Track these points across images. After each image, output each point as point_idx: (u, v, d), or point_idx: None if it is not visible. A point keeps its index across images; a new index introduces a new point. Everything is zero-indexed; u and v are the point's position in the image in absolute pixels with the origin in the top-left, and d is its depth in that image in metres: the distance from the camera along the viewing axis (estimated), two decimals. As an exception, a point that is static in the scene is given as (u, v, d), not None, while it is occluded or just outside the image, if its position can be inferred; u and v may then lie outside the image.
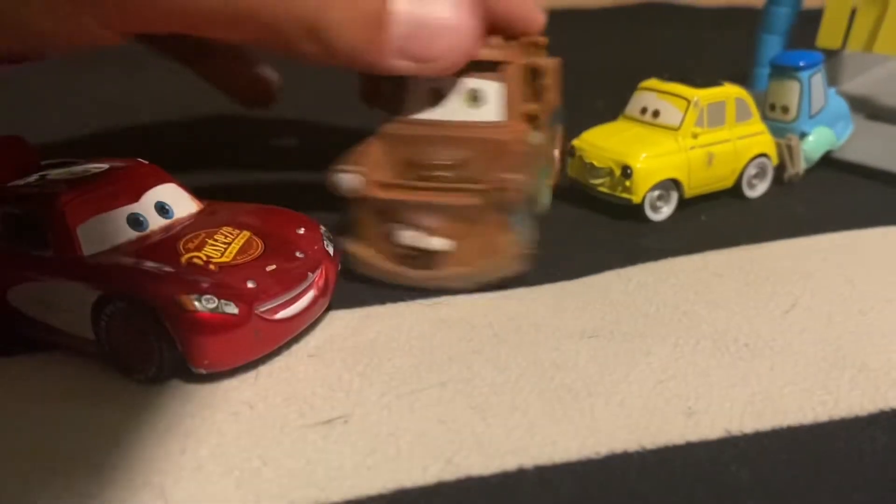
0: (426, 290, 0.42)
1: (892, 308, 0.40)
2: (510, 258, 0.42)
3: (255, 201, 0.42)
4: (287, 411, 0.33)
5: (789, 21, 0.63)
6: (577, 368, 0.36)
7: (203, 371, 0.35)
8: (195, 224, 0.39)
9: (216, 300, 0.34)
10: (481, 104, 0.44)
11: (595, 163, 0.50)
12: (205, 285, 0.34)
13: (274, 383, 0.35)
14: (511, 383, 0.35)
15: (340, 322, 0.40)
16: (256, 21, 0.36)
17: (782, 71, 0.55)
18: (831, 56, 0.63)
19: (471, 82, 0.44)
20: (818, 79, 0.55)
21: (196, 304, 0.33)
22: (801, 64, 0.54)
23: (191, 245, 0.37)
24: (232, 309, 0.34)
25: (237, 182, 0.57)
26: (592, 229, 0.50)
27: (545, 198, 0.50)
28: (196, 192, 0.42)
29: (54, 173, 0.40)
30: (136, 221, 0.38)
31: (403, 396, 0.34)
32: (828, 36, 0.60)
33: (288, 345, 0.38)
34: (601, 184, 0.51)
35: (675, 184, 0.50)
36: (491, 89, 0.44)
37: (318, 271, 0.39)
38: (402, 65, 0.40)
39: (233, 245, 0.37)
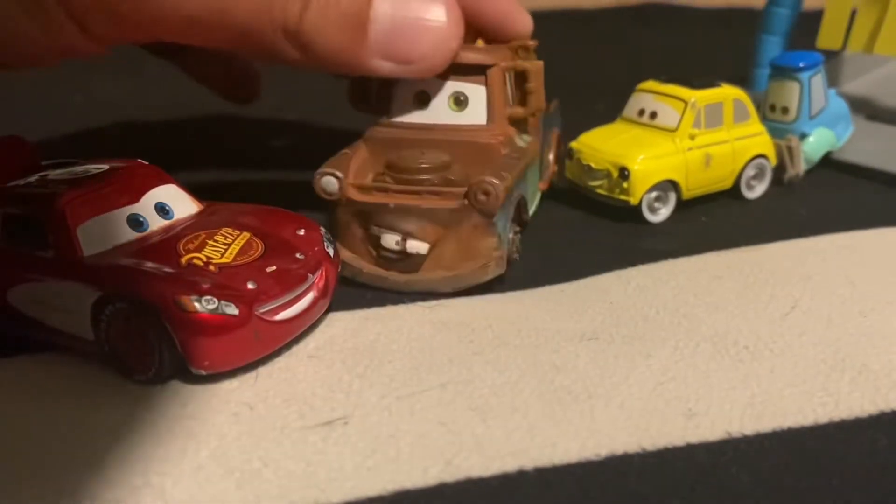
0: (410, 293, 0.42)
1: (893, 309, 0.40)
2: (491, 262, 0.42)
3: (255, 202, 0.42)
4: (287, 412, 0.33)
5: (789, 22, 0.63)
6: (576, 370, 0.36)
7: (203, 372, 0.34)
8: (195, 225, 0.39)
9: (216, 301, 0.34)
10: (466, 107, 0.45)
11: (593, 165, 0.50)
12: (205, 286, 0.34)
13: (274, 384, 0.35)
14: (511, 385, 0.35)
15: (340, 323, 0.40)
16: (236, 26, 0.36)
17: (782, 72, 0.55)
18: (831, 57, 0.63)
19: (455, 86, 0.44)
20: (818, 80, 0.55)
21: (196, 304, 0.33)
22: (802, 65, 0.54)
23: (191, 246, 0.37)
24: (232, 310, 0.34)
25: (237, 182, 0.57)
26: (591, 231, 0.50)
27: (534, 202, 0.50)
28: (196, 192, 0.42)
29: (54, 173, 0.40)
30: (136, 222, 0.38)
31: (403, 398, 0.34)
32: (828, 37, 0.60)
33: (288, 346, 0.38)
34: (599, 186, 0.51)
35: (672, 185, 0.50)
36: (475, 92, 0.44)
37: (319, 272, 0.39)
38: (384, 66, 0.40)
39: (233, 246, 0.37)
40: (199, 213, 0.40)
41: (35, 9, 0.36)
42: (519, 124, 0.47)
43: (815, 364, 0.36)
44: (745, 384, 0.35)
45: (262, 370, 0.36)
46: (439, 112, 0.45)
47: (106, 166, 0.40)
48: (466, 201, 0.41)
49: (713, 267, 0.45)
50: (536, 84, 0.45)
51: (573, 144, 0.52)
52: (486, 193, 0.40)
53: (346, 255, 0.43)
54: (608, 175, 0.50)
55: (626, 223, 0.50)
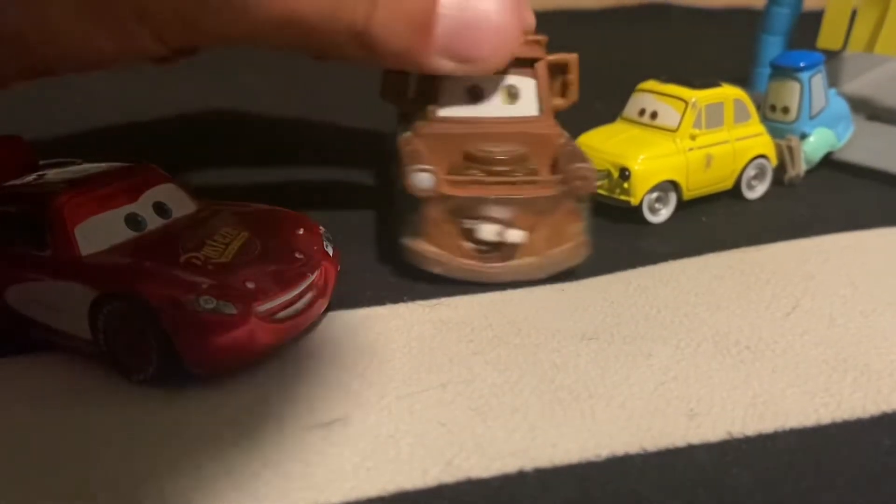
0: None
1: (894, 310, 0.40)
2: (579, 246, 0.43)
3: (255, 201, 0.42)
4: (286, 413, 0.33)
5: (790, 22, 0.63)
6: (577, 370, 0.36)
7: (202, 372, 0.34)
8: (194, 224, 0.39)
9: (215, 301, 0.34)
10: (518, 100, 0.45)
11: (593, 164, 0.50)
12: (204, 285, 0.34)
13: (273, 384, 0.35)
14: (511, 385, 0.35)
15: (340, 323, 0.40)
16: (304, 27, 0.36)
17: (783, 72, 0.55)
18: (832, 57, 0.63)
19: (508, 79, 0.45)
20: (819, 80, 0.55)
21: (195, 304, 0.33)
22: (802, 65, 0.54)
23: (189, 245, 0.36)
24: (230, 310, 0.34)
25: (237, 182, 0.57)
26: (591, 231, 0.50)
27: None
28: (196, 191, 0.41)
29: (52, 173, 0.40)
30: (134, 221, 0.38)
31: (403, 398, 0.34)
32: (828, 37, 0.60)
33: (287, 346, 0.38)
34: (599, 186, 0.50)
35: (673, 185, 0.50)
36: (526, 85, 0.45)
37: (318, 272, 0.38)
38: (447, 65, 0.40)
39: (231, 245, 0.37)
40: (198, 213, 0.40)
41: (109, 20, 0.35)
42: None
43: (817, 364, 0.36)
44: (747, 384, 0.35)
45: (262, 370, 0.36)
46: (492, 105, 0.45)
47: (104, 166, 0.40)
48: (565, 188, 0.41)
49: (714, 267, 0.45)
50: (574, 76, 0.46)
51: (573, 144, 0.52)
52: (585, 178, 0.41)
53: (435, 250, 0.42)
54: (609, 175, 0.50)
55: (627, 223, 0.50)
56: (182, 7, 0.34)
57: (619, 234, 0.49)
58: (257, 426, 0.32)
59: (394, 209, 0.47)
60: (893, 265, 0.44)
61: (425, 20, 0.38)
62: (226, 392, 0.34)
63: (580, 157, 0.43)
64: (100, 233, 0.36)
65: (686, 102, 0.50)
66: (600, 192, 0.51)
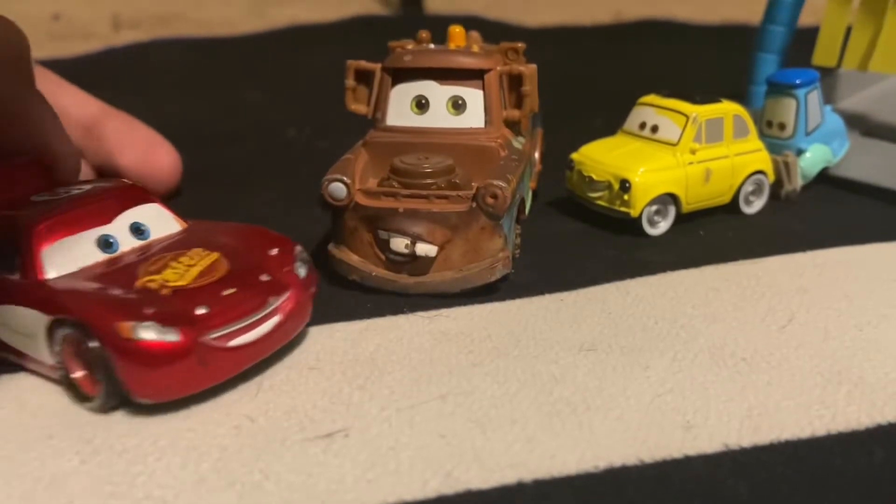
0: (420, 297, 0.42)
1: (889, 323, 0.40)
2: (498, 262, 0.42)
3: (251, 213, 0.42)
4: (288, 424, 0.33)
5: (785, 39, 0.63)
6: (575, 382, 0.36)
7: (146, 400, 0.33)
8: (168, 245, 0.38)
9: (157, 327, 0.32)
10: (464, 111, 0.46)
11: (594, 176, 0.51)
12: (149, 311, 0.32)
13: (275, 396, 0.35)
14: (510, 396, 0.35)
15: (340, 334, 0.40)
16: None
17: (779, 88, 0.55)
18: (827, 74, 0.64)
19: (453, 90, 0.45)
20: (814, 96, 0.55)
21: (135, 331, 0.32)
22: (798, 81, 0.55)
23: (152, 268, 0.35)
24: (173, 336, 0.32)
25: (236, 196, 0.57)
26: (590, 243, 0.50)
27: (529, 201, 0.50)
28: (194, 207, 0.41)
29: (39, 195, 0.39)
30: (105, 243, 0.37)
31: (403, 410, 0.34)
32: (824, 54, 0.61)
33: (288, 357, 0.38)
34: (599, 197, 0.51)
35: (672, 199, 0.51)
36: (473, 97, 0.46)
37: (284, 296, 0.37)
38: None
39: (195, 268, 0.36)
40: (179, 233, 0.39)
41: None
42: (512, 126, 0.48)
43: (812, 377, 0.36)
44: (743, 396, 0.35)
45: (263, 381, 0.36)
46: (438, 116, 0.46)
47: (88, 186, 0.40)
48: (475, 204, 0.41)
49: (711, 279, 0.45)
50: (531, 87, 0.46)
51: (574, 156, 0.53)
52: (495, 196, 0.41)
53: (353, 259, 0.43)
54: (609, 187, 0.50)
55: (626, 235, 0.50)
56: None
57: (618, 245, 0.49)
58: (259, 437, 0.33)
59: None
60: (888, 279, 0.45)
61: None
62: (228, 404, 0.35)
63: (505, 173, 0.42)
64: (68, 255, 0.36)
65: (687, 117, 0.51)
66: (600, 203, 0.51)
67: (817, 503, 0.29)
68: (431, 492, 0.30)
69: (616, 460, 0.31)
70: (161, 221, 0.39)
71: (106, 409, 0.34)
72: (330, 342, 0.39)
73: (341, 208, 0.43)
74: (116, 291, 0.34)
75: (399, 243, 0.41)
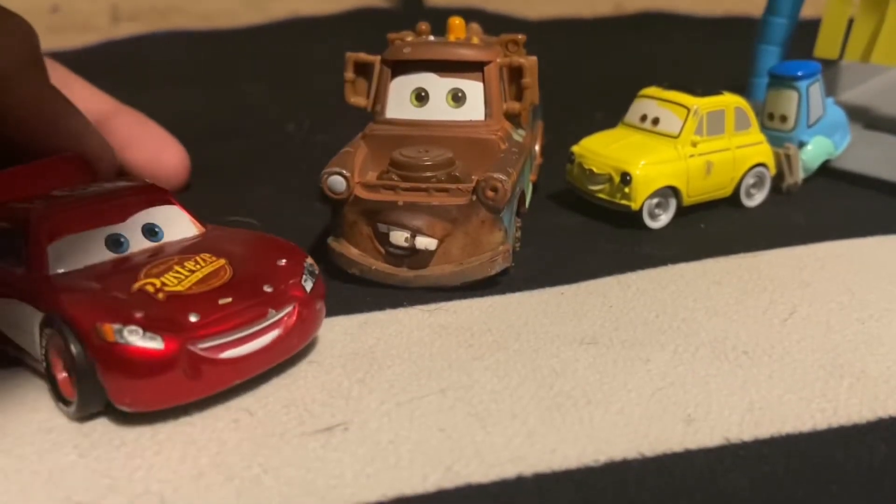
0: (420, 290, 0.42)
1: (891, 316, 0.40)
2: (498, 255, 0.42)
3: (253, 214, 0.42)
4: (287, 418, 0.33)
5: (787, 31, 0.63)
6: (576, 375, 0.36)
7: (126, 408, 0.32)
8: (178, 249, 0.37)
9: (142, 332, 0.31)
10: (464, 104, 0.45)
11: (594, 169, 0.50)
12: (136, 315, 0.31)
13: (274, 390, 0.35)
14: (510, 391, 0.35)
15: (339, 328, 0.40)
16: None
17: (780, 81, 0.55)
18: (829, 66, 0.63)
19: (453, 82, 0.45)
20: (816, 88, 0.55)
21: (118, 334, 0.31)
22: (800, 74, 0.54)
23: (154, 271, 0.34)
24: (157, 343, 0.31)
25: (235, 191, 0.57)
26: (591, 236, 0.50)
27: (529, 194, 0.50)
28: (193, 200, 0.41)
29: (61, 191, 0.39)
30: (115, 242, 0.36)
31: (403, 404, 0.34)
32: (825, 46, 0.61)
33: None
34: (600, 190, 0.51)
35: (673, 191, 0.50)
36: (472, 89, 0.45)
37: (287, 309, 0.35)
38: None
39: (196, 273, 0.34)
40: (193, 237, 0.38)
41: None
42: (512, 118, 0.47)
43: (814, 370, 0.36)
44: (744, 390, 0.35)
45: (262, 376, 0.36)
46: (437, 108, 0.45)
47: (110, 185, 0.39)
48: (475, 197, 0.41)
49: (712, 272, 0.45)
50: (531, 79, 0.46)
51: (575, 149, 0.52)
52: (495, 189, 0.41)
53: (353, 252, 0.43)
54: (610, 179, 0.50)
55: (626, 228, 0.50)
56: None
57: (619, 238, 0.49)
58: (258, 432, 0.33)
59: None
60: (889, 272, 0.45)
61: None
62: (226, 397, 0.35)
63: (505, 166, 0.42)
64: (75, 252, 0.35)
65: (688, 109, 0.51)
66: (601, 196, 0.51)
67: (819, 497, 0.29)
68: (431, 486, 0.30)
69: (616, 454, 0.31)
70: (177, 224, 0.38)
71: (80, 416, 0.33)
72: (329, 336, 0.39)
73: (341, 202, 0.43)
74: (111, 292, 0.33)
75: (399, 237, 0.41)
